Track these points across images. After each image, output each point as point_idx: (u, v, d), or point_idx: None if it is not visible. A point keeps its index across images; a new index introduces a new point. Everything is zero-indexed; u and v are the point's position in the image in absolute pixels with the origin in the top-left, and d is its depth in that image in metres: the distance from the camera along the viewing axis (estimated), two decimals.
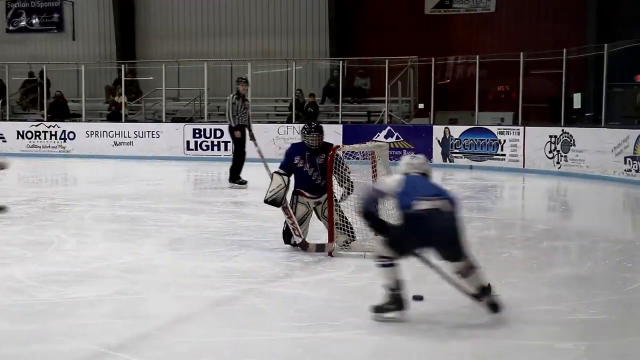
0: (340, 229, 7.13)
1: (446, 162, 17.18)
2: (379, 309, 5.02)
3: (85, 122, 21.24)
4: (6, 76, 22.95)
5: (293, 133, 18.71)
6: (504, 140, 16.54)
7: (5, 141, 20.78)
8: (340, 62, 20.02)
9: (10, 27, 25.25)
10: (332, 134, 17.89)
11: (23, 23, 25.13)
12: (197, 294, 5.71)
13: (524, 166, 16.09)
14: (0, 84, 23.33)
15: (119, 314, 5.17)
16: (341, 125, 18.91)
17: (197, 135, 19.72)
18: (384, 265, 5.10)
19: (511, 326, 4.92)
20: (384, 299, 5.03)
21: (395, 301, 5.02)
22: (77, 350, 4.36)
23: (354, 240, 7.13)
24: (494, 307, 5.04)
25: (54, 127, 20.78)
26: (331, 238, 6.99)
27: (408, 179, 5.25)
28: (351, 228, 7.15)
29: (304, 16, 22.44)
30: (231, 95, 12.90)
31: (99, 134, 20.24)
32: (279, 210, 7.32)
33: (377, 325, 4.93)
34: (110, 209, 9.44)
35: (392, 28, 20.86)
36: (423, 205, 5.00)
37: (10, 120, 22.04)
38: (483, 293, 5.10)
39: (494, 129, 16.92)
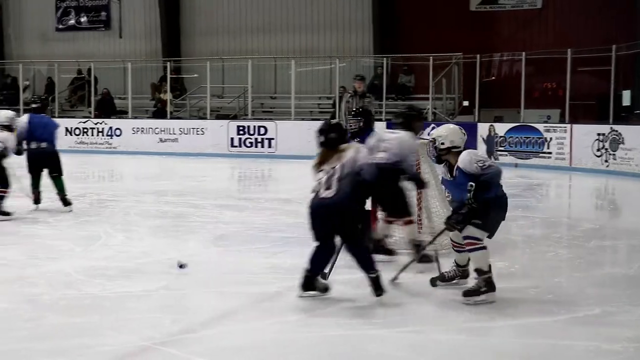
0: None
1: (491, 159, 17.00)
2: (470, 293, 5.25)
3: (131, 119, 21.53)
4: (55, 74, 23.36)
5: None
6: (551, 138, 16.31)
7: None
8: (384, 59, 19.95)
9: (60, 26, 25.69)
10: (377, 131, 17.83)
11: (72, 22, 25.54)
12: (241, 289, 5.74)
13: (570, 164, 15.86)
14: (50, 82, 23.76)
15: (164, 308, 5.23)
16: (385, 122, 18.82)
17: (241, 132, 19.83)
18: (479, 249, 5.28)
19: (558, 326, 4.86)
20: (477, 282, 5.23)
21: (488, 284, 5.24)
22: (123, 343, 4.41)
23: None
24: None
25: (101, 124, 21.10)
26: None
27: None
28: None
29: (347, 13, 22.40)
30: (347, 94, 12.51)
31: (144, 131, 20.49)
32: None
33: (419, 322, 4.91)
34: (156, 205, 9.54)
35: (437, 25, 20.71)
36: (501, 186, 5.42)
37: (59, 117, 22.40)
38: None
39: (540, 126, 16.70)
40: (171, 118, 21.24)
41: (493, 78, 19.62)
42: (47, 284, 5.81)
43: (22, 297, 5.42)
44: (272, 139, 19.51)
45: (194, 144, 19.99)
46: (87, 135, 21.20)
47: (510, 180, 14.22)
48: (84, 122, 21.34)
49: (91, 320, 4.87)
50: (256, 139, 19.72)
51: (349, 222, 5.31)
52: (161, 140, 20.40)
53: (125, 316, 5.00)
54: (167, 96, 21.45)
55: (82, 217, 9.18)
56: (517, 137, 16.88)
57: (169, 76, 21.77)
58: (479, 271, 5.27)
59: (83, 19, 25.38)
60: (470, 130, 17.47)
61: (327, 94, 21.88)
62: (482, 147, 17.30)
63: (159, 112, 21.66)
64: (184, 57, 24.04)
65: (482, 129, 17.47)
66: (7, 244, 7.39)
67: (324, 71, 21.71)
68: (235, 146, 19.86)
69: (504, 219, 5.47)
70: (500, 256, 6.93)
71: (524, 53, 17.67)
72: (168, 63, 22.22)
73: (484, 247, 5.31)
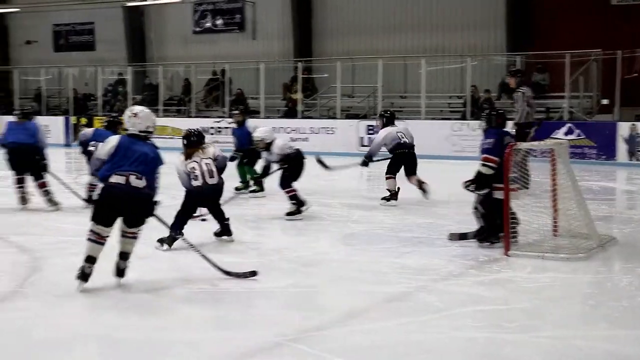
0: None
1: (632, 160, 16.24)
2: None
3: (263, 118, 21.97)
4: (192, 75, 24.21)
5: (467, 130, 18.36)
6: None
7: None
8: (518, 57, 19.45)
9: (197, 29, 26.59)
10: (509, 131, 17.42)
11: (208, 24, 26.38)
12: (370, 288, 5.73)
13: None
14: (187, 83, 24.63)
15: (295, 305, 5.30)
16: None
17: (371, 132, 19.83)
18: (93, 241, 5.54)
19: None
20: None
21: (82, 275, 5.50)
22: (255, 338, 4.50)
23: (514, 240, 6.95)
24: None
25: (234, 123, 21.63)
26: (507, 236, 6.80)
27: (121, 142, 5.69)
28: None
29: (479, 10, 21.99)
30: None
31: (276, 130, 20.72)
32: (452, 208, 7.34)
33: (556, 327, 4.74)
34: (287, 203, 9.62)
35: (575, 20, 19.95)
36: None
37: (195, 117, 23.20)
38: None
39: None
40: (302, 117, 21.53)
41: (635, 75, 18.70)
42: (183, 277, 6.01)
43: (161, 289, 5.63)
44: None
45: (324, 143, 20.16)
46: (221, 134, 21.81)
47: None
48: (219, 122, 21.97)
49: (225, 314, 5.00)
50: None
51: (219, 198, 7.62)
52: (292, 139, 20.68)
53: (257, 312, 5.10)
54: (298, 96, 21.78)
55: None
56: None
57: (300, 76, 22.10)
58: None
59: (219, 22, 26.16)
60: (610, 130, 16.85)
61: (457, 93, 21.57)
62: (622, 148, 16.55)
63: (290, 112, 22.02)
64: (315, 57, 24.33)
65: (623, 128, 16.69)
66: (148, 238, 7.68)
67: (455, 70, 21.40)
68: (365, 145, 19.86)
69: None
70: None
71: None
72: (299, 63, 22.55)
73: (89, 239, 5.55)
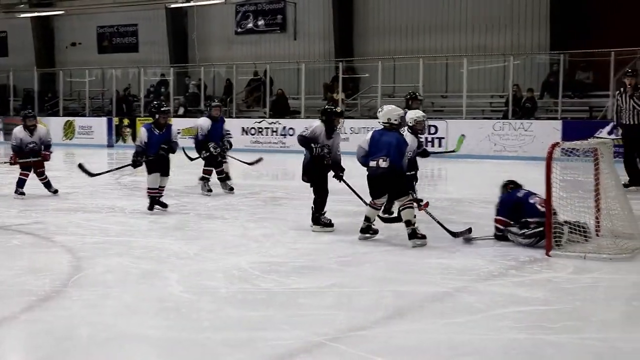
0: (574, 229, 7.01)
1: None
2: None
3: (304, 118, 22.06)
4: (234, 75, 24.39)
5: (509, 129, 18.22)
6: None
7: (231, 137, 22.07)
8: (561, 55, 19.23)
9: (239, 29, 26.80)
10: (551, 130, 17.29)
11: (250, 25, 26.57)
12: (412, 289, 5.74)
13: None
14: (228, 83, 24.82)
15: (337, 305, 5.32)
16: (560, 121, 18.19)
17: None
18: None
19: None
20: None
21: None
22: (296, 338, 4.53)
23: (586, 240, 6.96)
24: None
25: (274, 123, 21.77)
26: (549, 236, 6.75)
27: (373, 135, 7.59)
28: (584, 230, 7.01)
29: (522, 8, 21.80)
30: (617, 91, 11.94)
31: None
32: (492, 208, 7.37)
33: (599, 329, 4.69)
34: (329, 204, 9.66)
35: (622, 17, 19.63)
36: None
37: (236, 117, 23.38)
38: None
39: None
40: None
41: None
42: (224, 277, 6.07)
43: (203, 289, 5.69)
44: (443, 138, 19.34)
45: None
46: (262, 134, 21.96)
47: None
48: (259, 122, 22.11)
49: (266, 315, 5.04)
50: (426, 138, 19.59)
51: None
52: None
53: (298, 312, 5.13)
54: (340, 96, 21.81)
55: (256, 214, 9.54)
56: None
57: (341, 76, 22.13)
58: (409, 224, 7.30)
59: (260, 22, 26.33)
60: None
61: (500, 92, 21.41)
62: None
63: None
64: (356, 57, 24.34)
65: None
66: (189, 239, 7.81)
67: (497, 69, 21.26)
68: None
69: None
70: None
71: None
72: (340, 63, 22.58)
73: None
